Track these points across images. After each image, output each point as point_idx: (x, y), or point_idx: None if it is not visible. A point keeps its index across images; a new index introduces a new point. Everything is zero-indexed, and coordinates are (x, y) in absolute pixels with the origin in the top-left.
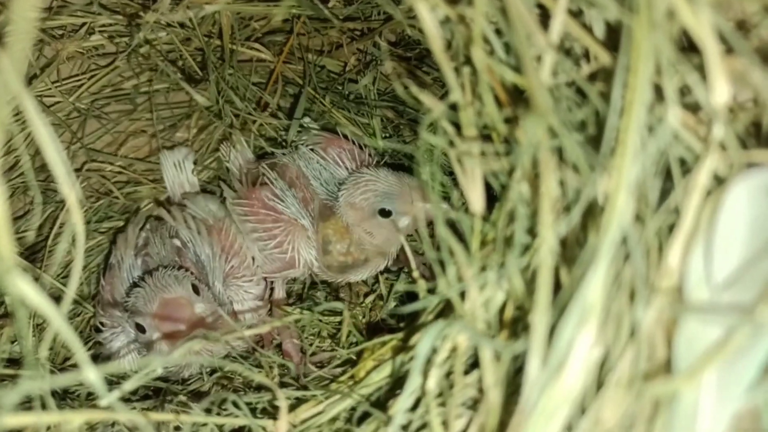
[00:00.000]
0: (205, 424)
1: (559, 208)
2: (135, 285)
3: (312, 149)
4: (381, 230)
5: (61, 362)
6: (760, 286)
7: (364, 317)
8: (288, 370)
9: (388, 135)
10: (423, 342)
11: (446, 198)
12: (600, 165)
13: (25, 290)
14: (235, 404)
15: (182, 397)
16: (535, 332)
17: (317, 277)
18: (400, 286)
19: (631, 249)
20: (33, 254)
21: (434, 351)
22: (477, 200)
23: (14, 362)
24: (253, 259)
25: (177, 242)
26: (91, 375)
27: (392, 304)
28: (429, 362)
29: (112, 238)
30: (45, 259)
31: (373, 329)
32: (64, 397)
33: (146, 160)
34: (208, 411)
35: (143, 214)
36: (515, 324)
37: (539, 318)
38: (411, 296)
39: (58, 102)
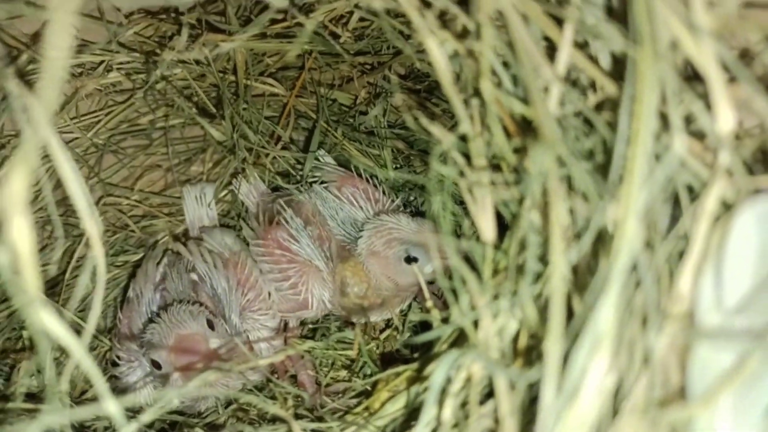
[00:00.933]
0: None
1: (570, 236)
2: (151, 320)
3: (326, 188)
4: (406, 276)
5: (78, 396)
6: None
7: (378, 348)
8: (303, 401)
9: (398, 166)
10: (437, 372)
11: (458, 227)
12: (608, 192)
13: (48, 322)
14: None
15: (198, 430)
16: (548, 360)
17: (332, 313)
18: (414, 317)
19: (641, 275)
20: (51, 288)
21: (449, 381)
22: (488, 229)
23: (32, 397)
24: (269, 293)
25: (194, 276)
26: (111, 407)
27: (407, 334)
28: (444, 392)
29: (130, 272)
30: (62, 293)
31: (388, 360)
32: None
33: (162, 194)
34: None
35: (160, 248)
36: (529, 352)
37: (552, 346)
38: (425, 326)
39: (76, 138)
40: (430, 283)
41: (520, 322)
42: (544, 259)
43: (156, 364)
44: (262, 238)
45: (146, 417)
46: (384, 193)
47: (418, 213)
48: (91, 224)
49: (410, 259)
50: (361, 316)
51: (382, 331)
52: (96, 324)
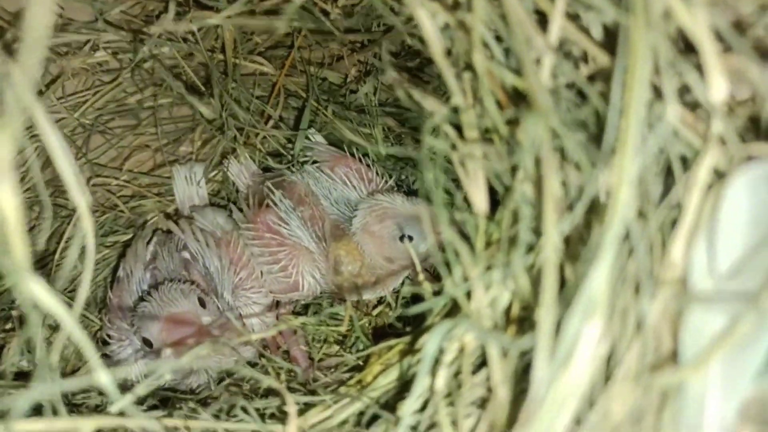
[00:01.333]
0: (214, 431)
1: (563, 206)
2: (141, 299)
3: (319, 168)
4: (400, 254)
5: (70, 372)
6: (764, 275)
7: (370, 324)
8: (295, 375)
9: (390, 144)
10: (430, 342)
11: (450, 200)
12: (602, 162)
13: (38, 293)
14: (244, 410)
15: (191, 404)
16: (541, 327)
17: (326, 293)
18: (406, 290)
19: (634, 243)
20: (39, 269)
21: (441, 351)
22: (480, 201)
23: (23, 376)
24: (261, 272)
25: (186, 255)
26: (103, 378)
27: (399, 311)
28: (436, 363)
29: (120, 252)
30: (52, 273)
31: (380, 335)
32: (73, 409)
33: (151, 174)
34: (216, 417)
35: (150, 227)
36: (522, 323)
37: (545, 313)
38: (417, 300)
39: (63, 118)
40: (424, 261)
41: (512, 292)
42: (537, 231)
43: (147, 342)
44: (252, 221)
45: (140, 389)
46: (377, 173)
47: (411, 192)
48: (80, 197)
49: (405, 238)
50: (355, 294)
51: (374, 307)
52: (86, 298)
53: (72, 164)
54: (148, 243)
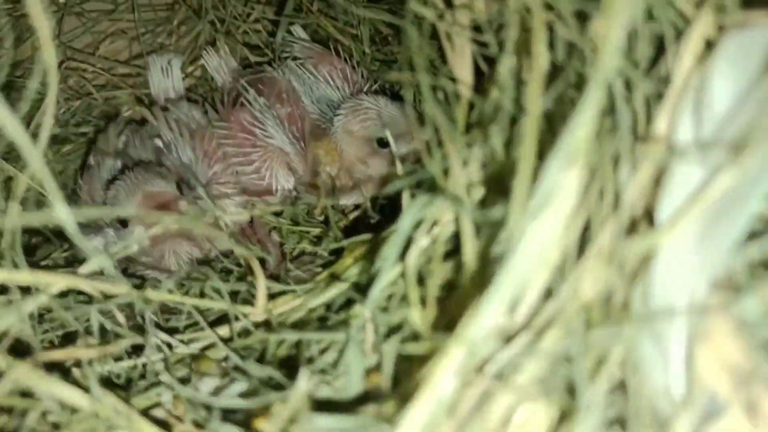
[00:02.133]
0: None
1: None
2: (114, 179)
3: (302, 64)
4: (376, 160)
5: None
6: (748, 131)
7: (345, 226)
8: (267, 267)
9: (377, 47)
10: (405, 216)
11: (434, 73)
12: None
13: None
14: (216, 290)
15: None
16: (519, 176)
17: (301, 199)
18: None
19: (618, 110)
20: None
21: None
22: (466, 74)
23: None
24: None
25: (158, 143)
26: (62, 213)
27: (376, 217)
28: (408, 247)
29: (90, 140)
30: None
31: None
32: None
33: (127, 63)
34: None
35: (123, 119)
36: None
37: (524, 160)
38: (395, 209)
39: None
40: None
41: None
42: (519, 104)
43: (123, 222)
44: (225, 120)
45: (113, 252)
46: (362, 75)
47: (395, 98)
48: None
49: (383, 143)
50: (332, 197)
51: (350, 212)
52: (49, 131)
53: None
54: (120, 131)
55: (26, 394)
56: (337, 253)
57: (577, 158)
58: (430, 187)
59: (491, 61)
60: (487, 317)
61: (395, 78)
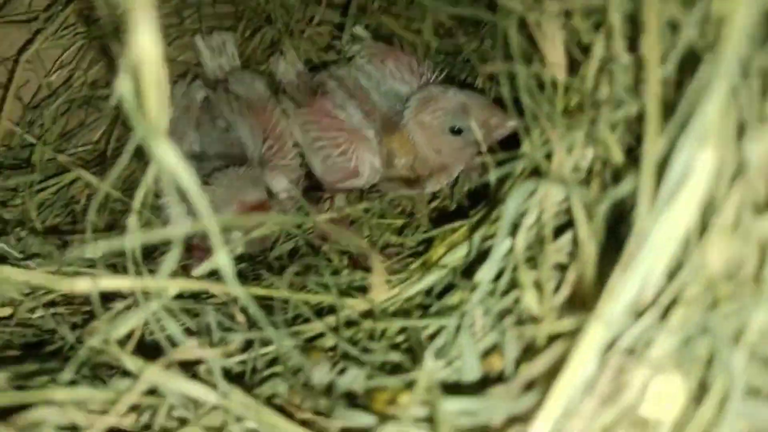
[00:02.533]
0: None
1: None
2: (205, 182)
3: (369, 61)
4: (450, 148)
5: None
6: None
7: (432, 217)
8: (359, 260)
9: (440, 38)
10: (511, 201)
11: (528, 62)
12: None
13: (167, 157)
14: (323, 285)
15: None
16: (645, 162)
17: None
18: (477, 160)
19: (744, 78)
20: None
21: (520, 216)
22: (560, 62)
23: None
24: (295, 145)
25: (221, 123)
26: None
27: (457, 201)
28: (514, 229)
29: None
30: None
31: (439, 225)
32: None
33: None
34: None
35: (196, 86)
36: (604, 183)
37: (650, 143)
38: (475, 196)
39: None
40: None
41: (594, 151)
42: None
43: None
44: (309, 106)
45: (219, 259)
46: (428, 67)
47: (464, 86)
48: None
49: (455, 131)
50: (407, 189)
51: (429, 202)
52: None
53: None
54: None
55: (151, 391)
56: (424, 244)
57: (709, 137)
58: (529, 172)
59: (584, 49)
60: (625, 295)
61: (490, 71)
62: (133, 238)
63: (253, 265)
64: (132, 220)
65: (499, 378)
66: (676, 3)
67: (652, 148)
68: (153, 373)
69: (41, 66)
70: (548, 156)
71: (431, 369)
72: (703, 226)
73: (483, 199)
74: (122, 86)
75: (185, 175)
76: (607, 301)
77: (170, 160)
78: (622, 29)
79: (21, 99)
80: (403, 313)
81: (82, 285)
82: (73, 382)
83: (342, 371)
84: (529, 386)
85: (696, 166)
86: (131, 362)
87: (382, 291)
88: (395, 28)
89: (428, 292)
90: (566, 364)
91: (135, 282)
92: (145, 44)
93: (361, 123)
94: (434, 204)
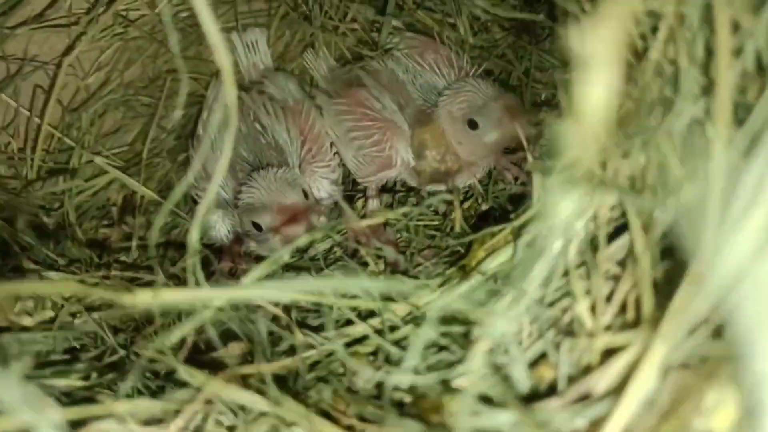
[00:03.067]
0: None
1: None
2: (242, 184)
3: (407, 54)
4: (467, 142)
5: None
6: None
7: (466, 219)
8: (395, 264)
9: (474, 33)
10: (562, 206)
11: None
12: None
13: None
14: (365, 290)
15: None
16: (714, 168)
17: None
18: (532, 166)
19: None
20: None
21: (569, 221)
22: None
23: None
24: (331, 145)
25: (257, 126)
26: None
27: (489, 204)
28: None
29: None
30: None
31: (473, 227)
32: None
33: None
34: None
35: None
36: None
37: (719, 150)
38: (513, 198)
39: (145, 15)
40: (512, 151)
41: (648, 158)
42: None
43: (257, 227)
44: (343, 96)
45: (262, 269)
46: (467, 61)
47: (499, 83)
48: (225, 58)
49: (473, 124)
50: (438, 182)
51: (462, 201)
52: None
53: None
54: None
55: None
56: (462, 246)
57: None
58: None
59: (638, 55)
60: (691, 315)
61: (556, 79)
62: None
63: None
64: (192, 235)
65: (548, 391)
66: (743, 7)
67: (720, 160)
68: (213, 385)
69: (79, 68)
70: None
71: (478, 376)
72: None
73: (518, 201)
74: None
75: None
76: (672, 319)
77: None
78: (683, 32)
79: (61, 102)
80: (445, 319)
81: (144, 298)
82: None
83: (386, 376)
84: (582, 400)
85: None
86: (187, 373)
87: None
88: (430, 23)
89: (469, 297)
90: (630, 381)
91: (194, 293)
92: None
93: (394, 114)
94: (467, 204)
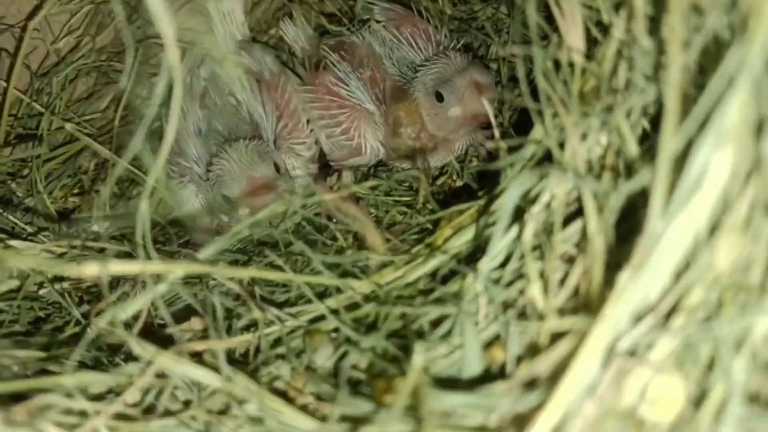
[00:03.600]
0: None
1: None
2: (215, 155)
3: (384, 26)
4: (434, 115)
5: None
6: None
7: (434, 194)
8: (363, 240)
9: (454, 5)
10: (513, 188)
11: (544, 39)
12: None
13: None
14: (325, 264)
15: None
16: (661, 157)
17: (384, 162)
18: (491, 144)
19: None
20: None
21: (529, 203)
22: (577, 42)
23: None
24: (308, 121)
25: (232, 100)
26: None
27: (465, 178)
28: (521, 216)
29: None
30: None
31: (445, 204)
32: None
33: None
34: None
35: (195, 57)
36: (616, 173)
37: (667, 139)
38: (483, 176)
39: None
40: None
41: (608, 141)
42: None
43: (227, 199)
44: (310, 83)
45: (222, 243)
46: (445, 35)
47: (475, 57)
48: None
49: (439, 97)
50: (413, 159)
51: (436, 178)
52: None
53: None
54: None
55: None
56: (431, 222)
57: (729, 138)
58: (540, 159)
59: (604, 28)
60: (633, 299)
61: (509, 53)
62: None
63: (257, 241)
64: (143, 204)
65: (501, 372)
66: None
67: (668, 145)
68: (164, 361)
69: (49, 32)
70: (561, 143)
71: (420, 363)
72: (713, 225)
73: (492, 177)
74: None
75: None
76: (615, 304)
77: None
78: (644, 10)
79: (29, 67)
80: (407, 297)
81: (91, 269)
82: (80, 364)
83: (344, 355)
84: (531, 384)
85: (713, 167)
86: (139, 347)
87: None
88: None
89: (433, 275)
90: (570, 366)
91: (143, 266)
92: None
93: (363, 97)
94: (441, 180)
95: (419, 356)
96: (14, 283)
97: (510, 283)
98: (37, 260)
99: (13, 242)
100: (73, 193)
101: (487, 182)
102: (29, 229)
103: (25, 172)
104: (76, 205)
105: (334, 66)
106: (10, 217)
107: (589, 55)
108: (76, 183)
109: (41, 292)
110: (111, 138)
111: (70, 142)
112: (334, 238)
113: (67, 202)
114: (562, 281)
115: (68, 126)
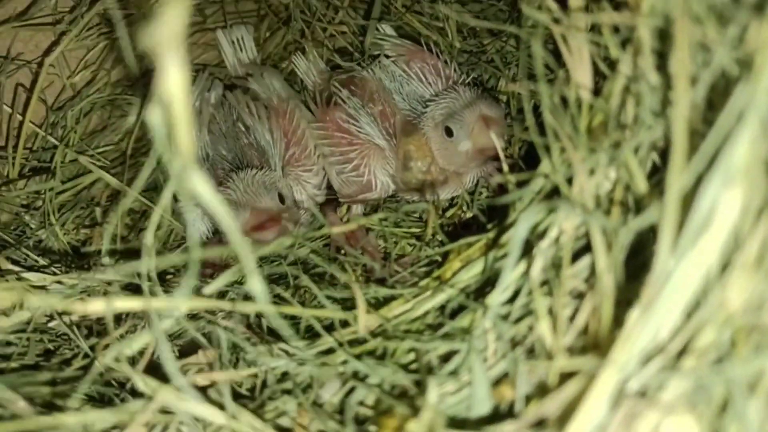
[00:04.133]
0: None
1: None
2: (221, 183)
3: (394, 62)
4: (444, 150)
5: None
6: None
7: (444, 226)
8: (372, 272)
9: (463, 38)
10: (522, 223)
11: (550, 79)
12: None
13: (199, 186)
14: (330, 298)
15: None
16: (669, 195)
17: (396, 195)
18: (494, 180)
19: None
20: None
21: (537, 238)
22: (585, 78)
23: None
24: (315, 147)
25: (240, 125)
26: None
27: (474, 210)
28: (530, 251)
29: None
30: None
31: (455, 236)
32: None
33: (218, 66)
34: (301, 304)
35: (206, 80)
36: (626, 211)
37: (674, 177)
38: (493, 207)
39: (131, 14)
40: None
41: (617, 177)
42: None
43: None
44: (321, 120)
45: (222, 280)
46: (455, 69)
47: (486, 91)
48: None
49: (449, 131)
50: (424, 193)
51: (445, 210)
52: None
53: None
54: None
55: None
56: (440, 254)
57: (738, 176)
58: (548, 193)
59: (611, 63)
60: (642, 341)
61: (514, 89)
62: (148, 261)
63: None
64: (149, 239)
65: (510, 411)
66: (711, 23)
67: (676, 182)
68: (166, 396)
69: (66, 66)
70: (569, 178)
71: (434, 399)
72: (724, 263)
73: (501, 209)
74: (153, 118)
75: (215, 202)
76: (624, 345)
77: (204, 192)
78: (651, 47)
79: (45, 101)
80: (416, 331)
81: (96, 307)
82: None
83: (351, 391)
84: (539, 424)
85: (723, 205)
86: (143, 383)
87: (367, 323)
88: (418, 27)
89: (442, 309)
90: (579, 408)
91: (148, 302)
92: (174, 81)
93: (374, 133)
94: (451, 212)
95: (433, 393)
96: (25, 315)
97: (519, 320)
98: (43, 299)
99: (26, 274)
100: (85, 224)
101: (496, 214)
102: (41, 261)
103: (39, 203)
104: (87, 237)
105: (344, 102)
106: (23, 249)
107: (596, 90)
108: (89, 214)
109: (51, 324)
110: (125, 170)
111: (83, 174)
112: (345, 270)
113: (79, 233)
114: (571, 318)
115: (81, 158)
